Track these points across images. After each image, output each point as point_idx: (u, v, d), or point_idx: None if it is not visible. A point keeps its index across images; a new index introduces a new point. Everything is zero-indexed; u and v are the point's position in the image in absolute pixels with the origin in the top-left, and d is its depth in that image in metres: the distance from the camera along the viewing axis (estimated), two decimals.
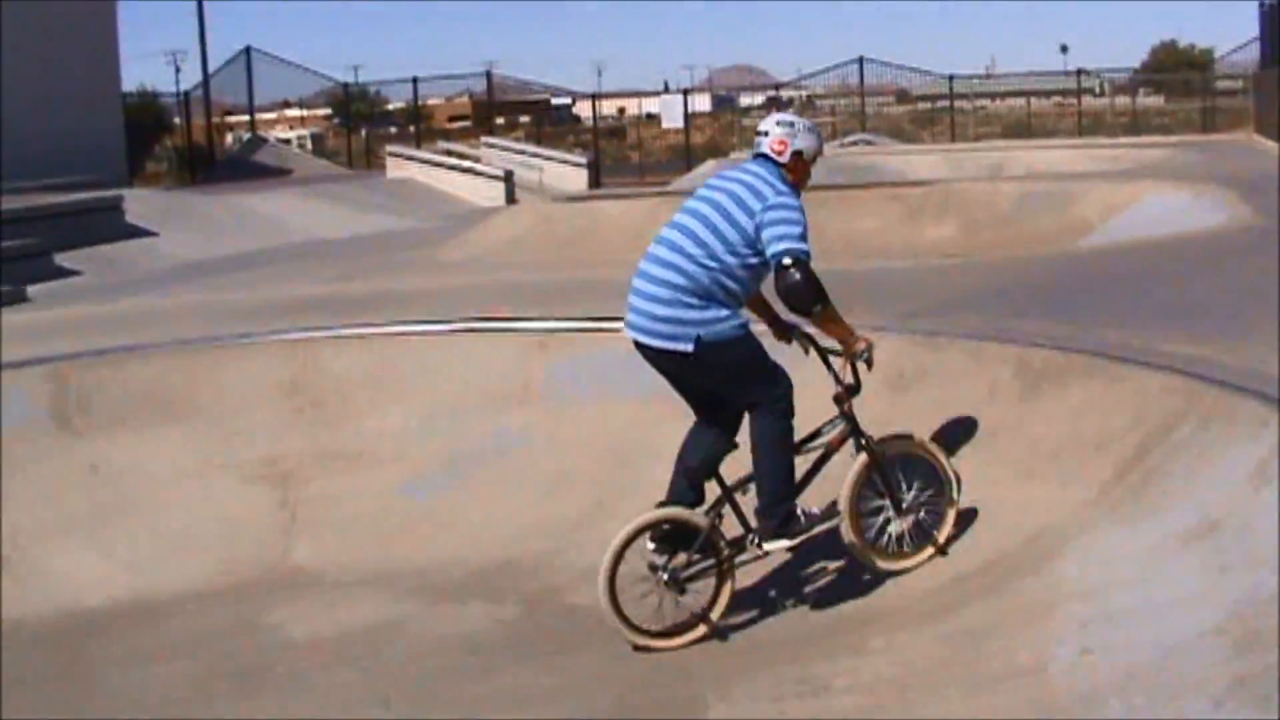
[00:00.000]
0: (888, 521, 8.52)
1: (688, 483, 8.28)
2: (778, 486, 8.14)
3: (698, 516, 8.18)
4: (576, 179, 45.63)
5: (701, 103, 76.96)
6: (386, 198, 37.80)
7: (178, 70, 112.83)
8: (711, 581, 8.24)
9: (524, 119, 71.85)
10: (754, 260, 7.99)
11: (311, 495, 11.11)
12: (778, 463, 8.14)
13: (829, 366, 8.46)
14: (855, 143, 48.87)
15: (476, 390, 11.71)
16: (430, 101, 67.30)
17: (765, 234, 7.91)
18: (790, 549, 8.31)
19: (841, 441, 8.43)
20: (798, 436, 8.30)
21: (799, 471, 8.30)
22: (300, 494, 11.13)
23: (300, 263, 22.94)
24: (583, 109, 74.40)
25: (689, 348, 7.93)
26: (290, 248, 26.67)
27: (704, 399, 8.44)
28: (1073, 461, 8.63)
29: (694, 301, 7.92)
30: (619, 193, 32.32)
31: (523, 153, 48.30)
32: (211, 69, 51.97)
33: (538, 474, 10.82)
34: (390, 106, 69.16)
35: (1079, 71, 59.20)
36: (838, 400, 8.40)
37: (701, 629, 8.20)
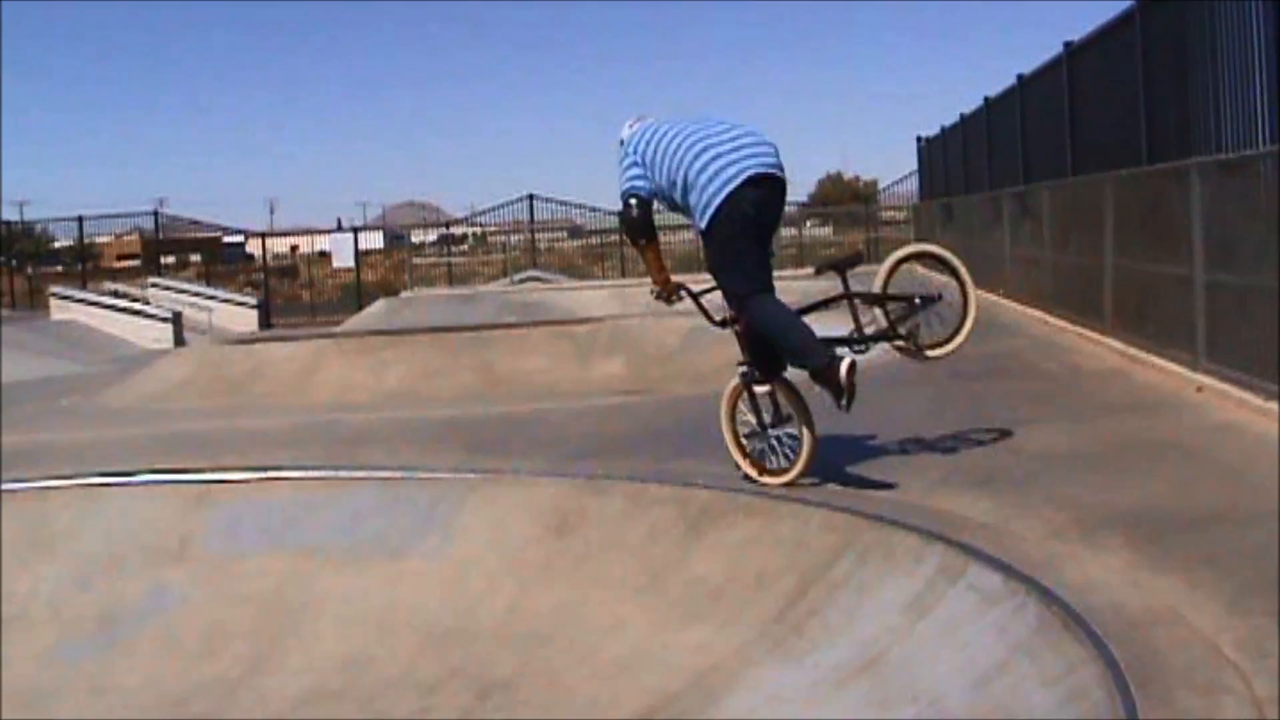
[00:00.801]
0: None
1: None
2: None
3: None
4: (246, 320, 45.25)
5: (374, 240, 76.74)
6: (50, 340, 36.87)
7: None
8: None
9: (195, 257, 70.80)
10: None
11: None
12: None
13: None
14: (526, 279, 49.19)
15: (133, 545, 11.34)
16: (99, 240, 66.05)
17: None
18: None
19: None
20: None
21: None
22: None
23: None
24: (256, 246, 73.67)
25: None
26: None
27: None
28: (735, 601, 8.66)
29: None
30: (288, 334, 31.98)
31: (192, 293, 47.69)
32: None
33: (197, 632, 10.48)
34: (57, 245, 67.64)
35: None
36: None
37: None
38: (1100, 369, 14.68)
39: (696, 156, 9.58)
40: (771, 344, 9.67)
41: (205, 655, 10.30)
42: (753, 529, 9.17)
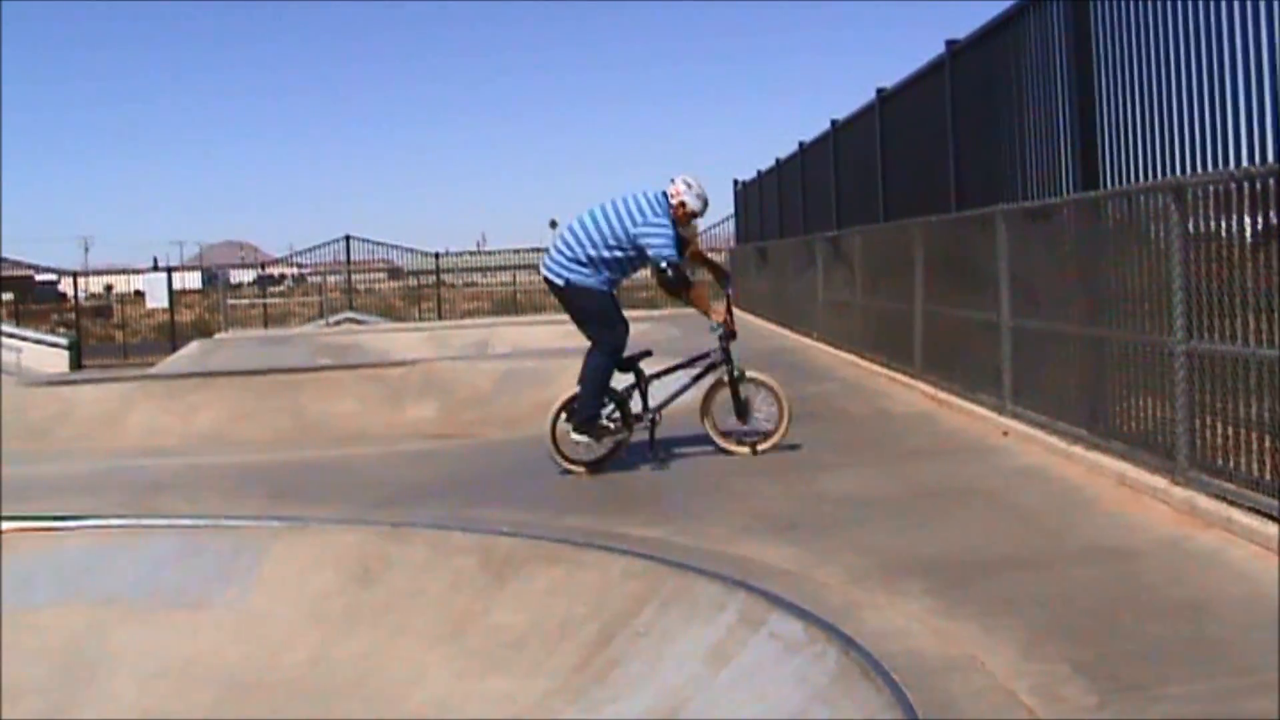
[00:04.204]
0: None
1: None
2: (587, 400, 12.13)
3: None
4: (58, 360, 44.42)
5: (191, 280, 75.89)
6: None
7: None
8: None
9: (6, 296, 69.46)
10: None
11: None
12: (592, 383, 12.14)
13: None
14: (341, 321, 48.83)
15: None
16: None
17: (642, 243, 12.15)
18: (581, 439, 12.20)
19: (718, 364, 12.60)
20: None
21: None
22: None
23: None
24: (70, 285, 72.42)
25: (560, 282, 12.25)
26: None
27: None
28: (538, 650, 8.56)
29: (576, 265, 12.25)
30: (99, 376, 31.36)
31: (1, 333, 46.70)
32: None
33: None
34: None
35: None
36: (722, 339, 12.51)
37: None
38: (909, 413, 14.79)
39: None
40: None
41: None
42: (556, 577, 9.09)
